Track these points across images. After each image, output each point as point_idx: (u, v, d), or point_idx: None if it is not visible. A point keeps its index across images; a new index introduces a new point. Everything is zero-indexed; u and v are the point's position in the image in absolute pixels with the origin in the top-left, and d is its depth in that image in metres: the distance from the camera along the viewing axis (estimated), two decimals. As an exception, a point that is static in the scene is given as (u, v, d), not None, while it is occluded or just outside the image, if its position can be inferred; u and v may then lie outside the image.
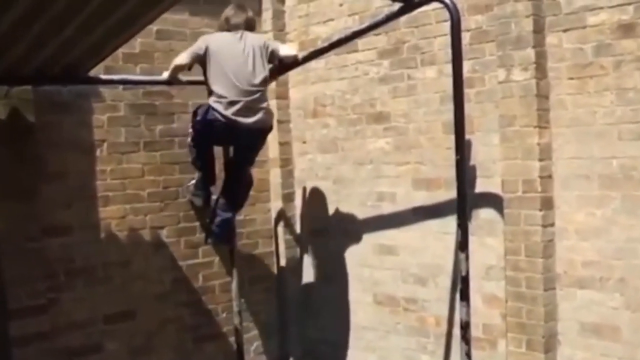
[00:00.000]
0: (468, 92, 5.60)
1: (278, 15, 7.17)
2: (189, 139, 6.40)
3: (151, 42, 6.53)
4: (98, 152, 6.28)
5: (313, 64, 6.80)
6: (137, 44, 6.44)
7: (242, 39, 5.98)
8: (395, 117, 6.33)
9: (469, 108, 5.44)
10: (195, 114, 6.21)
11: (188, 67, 5.99)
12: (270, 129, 6.18)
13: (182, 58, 5.94)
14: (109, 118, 6.34)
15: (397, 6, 5.15)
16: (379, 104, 6.45)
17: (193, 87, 6.43)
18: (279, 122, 7.14)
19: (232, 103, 5.82)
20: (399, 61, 6.25)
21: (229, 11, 6.13)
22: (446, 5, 4.90)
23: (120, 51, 6.20)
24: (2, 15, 4.33)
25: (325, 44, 5.90)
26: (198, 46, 5.94)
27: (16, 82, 5.63)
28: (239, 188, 6.41)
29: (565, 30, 5.22)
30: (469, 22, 5.70)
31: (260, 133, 6.09)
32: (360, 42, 6.47)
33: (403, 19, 6.01)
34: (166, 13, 6.39)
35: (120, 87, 6.34)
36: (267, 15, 7.16)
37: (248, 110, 5.84)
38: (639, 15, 4.87)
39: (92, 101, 6.25)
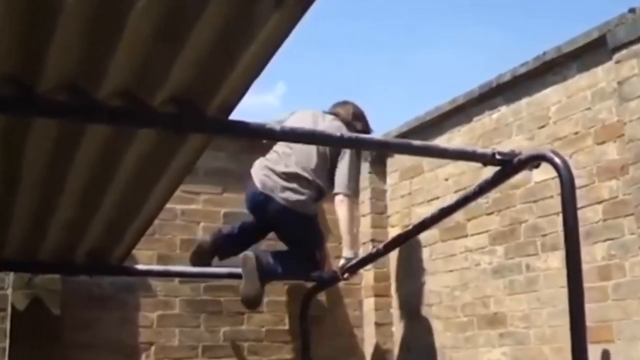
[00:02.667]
0: (604, 286, 4.27)
1: (378, 195, 6.03)
2: None
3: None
4: (144, 357, 5.17)
5: (417, 254, 5.56)
6: (199, 228, 5.43)
7: (323, 118, 5.33)
8: (512, 320, 4.87)
9: (604, 308, 4.18)
10: None
11: None
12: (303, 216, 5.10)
13: None
14: (160, 316, 5.28)
15: (492, 172, 3.87)
16: (492, 302, 5.03)
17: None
18: (378, 324, 5.83)
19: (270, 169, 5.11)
20: (516, 247, 4.87)
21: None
22: (554, 165, 3.56)
23: (178, 237, 5.29)
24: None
25: (409, 228, 4.64)
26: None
27: (36, 270, 4.71)
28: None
29: None
30: (600, 190, 4.33)
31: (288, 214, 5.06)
32: (470, 225, 5.18)
33: (519, 192, 4.80)
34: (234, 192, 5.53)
35: (176, 280, 5.29)
36: (365, 196, 6.03)
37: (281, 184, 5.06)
38: None
39: (140, 296, 5.23)
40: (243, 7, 2.41)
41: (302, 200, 5.05)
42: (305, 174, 5.07)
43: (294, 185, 5.03)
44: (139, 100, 2.88)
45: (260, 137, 3.85)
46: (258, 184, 5.04)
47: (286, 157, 5.10)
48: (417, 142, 3.65)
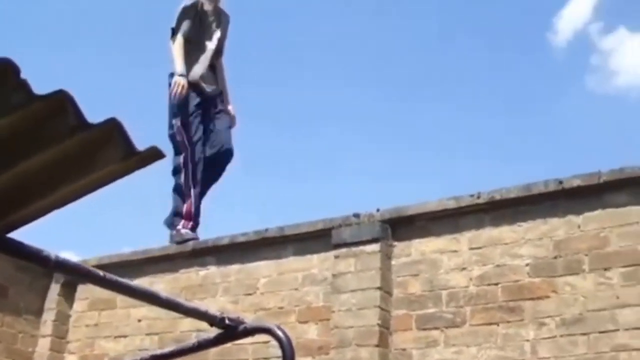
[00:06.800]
0: None
1: (62, 319, 5.97)
2: None
3: None
4: None
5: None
6: None
7: None
8: None
9: None
10: None
11: None
12: None
13: None
14: None
15: (213, 333, 4.14)
16: None
17: None
18: None
19: None
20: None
21: None
22: (278, 340, 3.92)
23: None
24: None
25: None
26: None
27: None
28: None
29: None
30: (296, 366, 4.76)
31: None
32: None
33: (216, 348, 5.03)
34: None
35: None
36: (48, 317, 5.95)
37: None
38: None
39: None
40: (86, 149, 2.54)
41: None
42: None
43: None
44: None
45: (33, 262, 3.77)
46: None
47: None
48: (143, 288, 3.79)
